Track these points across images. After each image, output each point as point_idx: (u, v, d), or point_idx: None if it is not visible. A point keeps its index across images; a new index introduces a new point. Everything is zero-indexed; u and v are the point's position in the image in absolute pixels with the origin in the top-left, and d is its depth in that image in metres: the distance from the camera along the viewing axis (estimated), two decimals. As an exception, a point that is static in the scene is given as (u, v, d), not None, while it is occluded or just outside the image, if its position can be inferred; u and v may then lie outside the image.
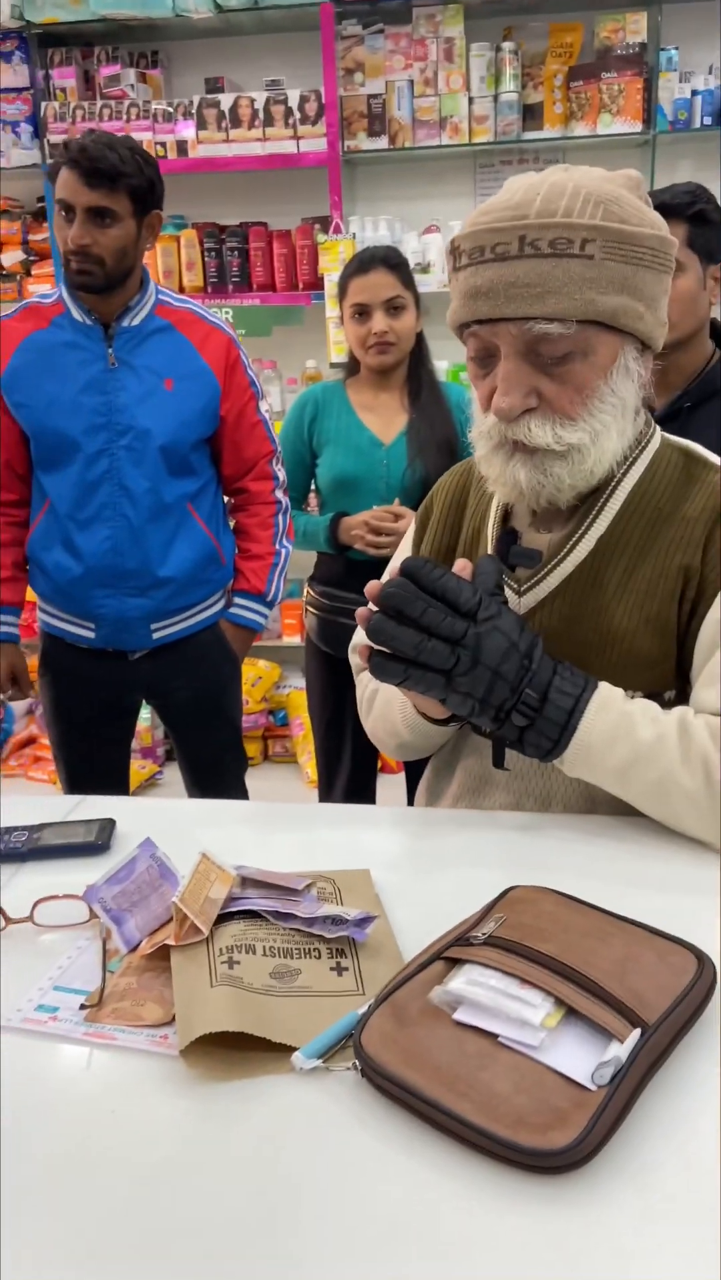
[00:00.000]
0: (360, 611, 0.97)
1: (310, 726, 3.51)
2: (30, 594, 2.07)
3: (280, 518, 2.08)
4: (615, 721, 0.99)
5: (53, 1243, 0.59)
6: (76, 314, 1.86)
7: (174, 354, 1.89)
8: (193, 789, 2.20)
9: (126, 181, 1.75)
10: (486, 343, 1.00)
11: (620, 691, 1.01)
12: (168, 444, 1.86)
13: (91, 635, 1.96)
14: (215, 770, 2.16)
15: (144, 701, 2.19)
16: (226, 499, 2.11)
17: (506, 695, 0.97)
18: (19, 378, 1.87)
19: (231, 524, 2.12)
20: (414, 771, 2.40)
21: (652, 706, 1.01)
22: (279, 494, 2.08)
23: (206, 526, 1.97)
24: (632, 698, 1.02)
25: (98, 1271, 0.57)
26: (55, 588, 1.94)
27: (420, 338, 2.24)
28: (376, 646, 0.96)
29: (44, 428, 1.86)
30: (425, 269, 3.22)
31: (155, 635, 1.96)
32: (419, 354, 2.25)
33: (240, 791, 2.23)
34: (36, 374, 1.86)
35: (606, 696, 1.00)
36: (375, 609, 0.96)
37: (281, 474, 2.09)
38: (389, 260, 2.14)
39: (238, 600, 2.09)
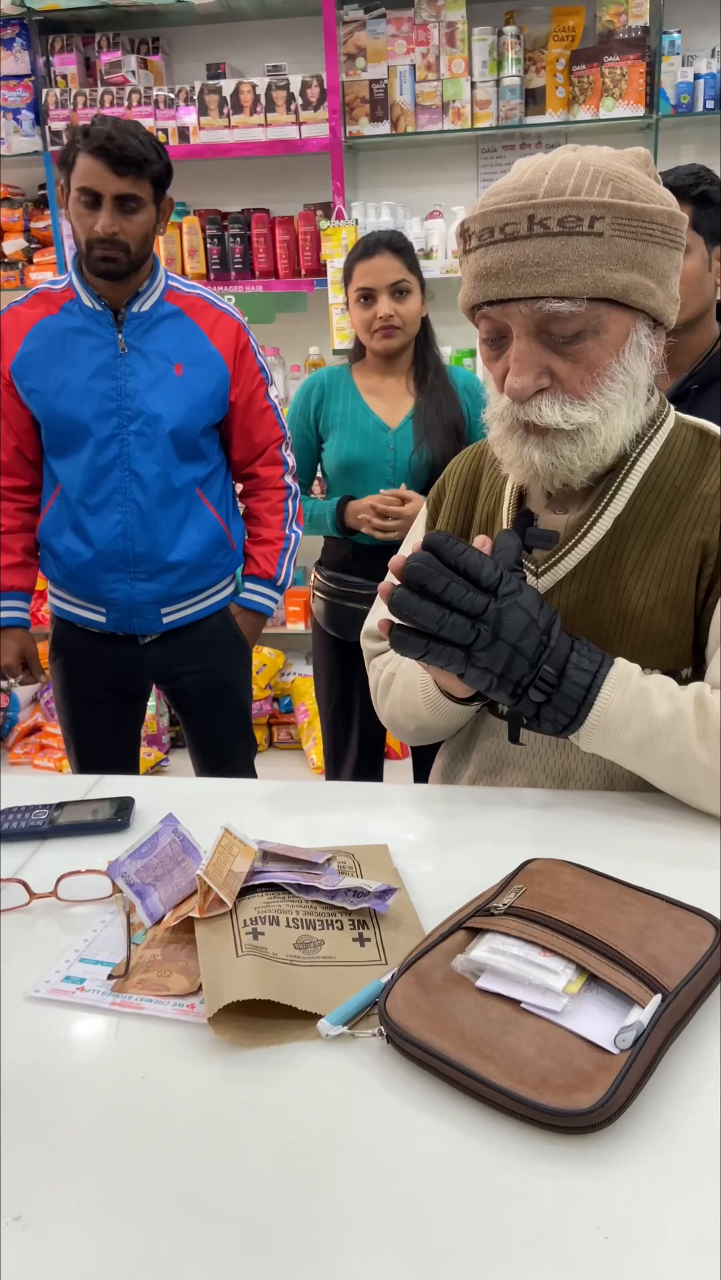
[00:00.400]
0: (383, 585, 0.97)
1: (315, 713, 3.53)
2: (42, 581, 2.08)
3: (290, 503, 2.10)
4: (632, 697, 0.99)
5: (85, 1202, 0.60)
6: (86, 299, 1.86)
7: (184, 339, 1.90)
8: (202, 773, 2.21)
9: (151, 169, 1.77)
10: (498, 324, 1.01)
11: (636, 668, 1.02)
12: (177, 429, 1.87)
13: (102, 619, 1.97)
14: (224, 754, 2.17)
15: (153, 688, 2.20)
16: (237, 485, 2.12)
17: (525, 671, 0.98)
18: (30, 364, 1.88)
19: (241, 509, 2.13)
20: (420, 755, 2.42)
21: (669, 682, 1.02)
22: (289, 479, 2.09)
23: (216, 511, 1.97)
24: (649, 674, 1.02)
25: (134, 1229, 0.59)
26: (66, 572, 1.95)
27: (425, 322, 2.24)
28: (397, 621, 0.97)
29: (55, 413, 1.87)
30: (428, 254, 3.22)
31: (165, 619, 1.98)
32: (424, 338, 2.25)
33: (249, 775, 2.24)
34: (47, 360, 1.87)
35: (623, 672, 1.01)
36: (397, 583, 0.96)
37: (291, 459, 2.10)
38: (393, 244, 2.14)
39: (247, 585, 2.10)
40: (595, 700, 0.99)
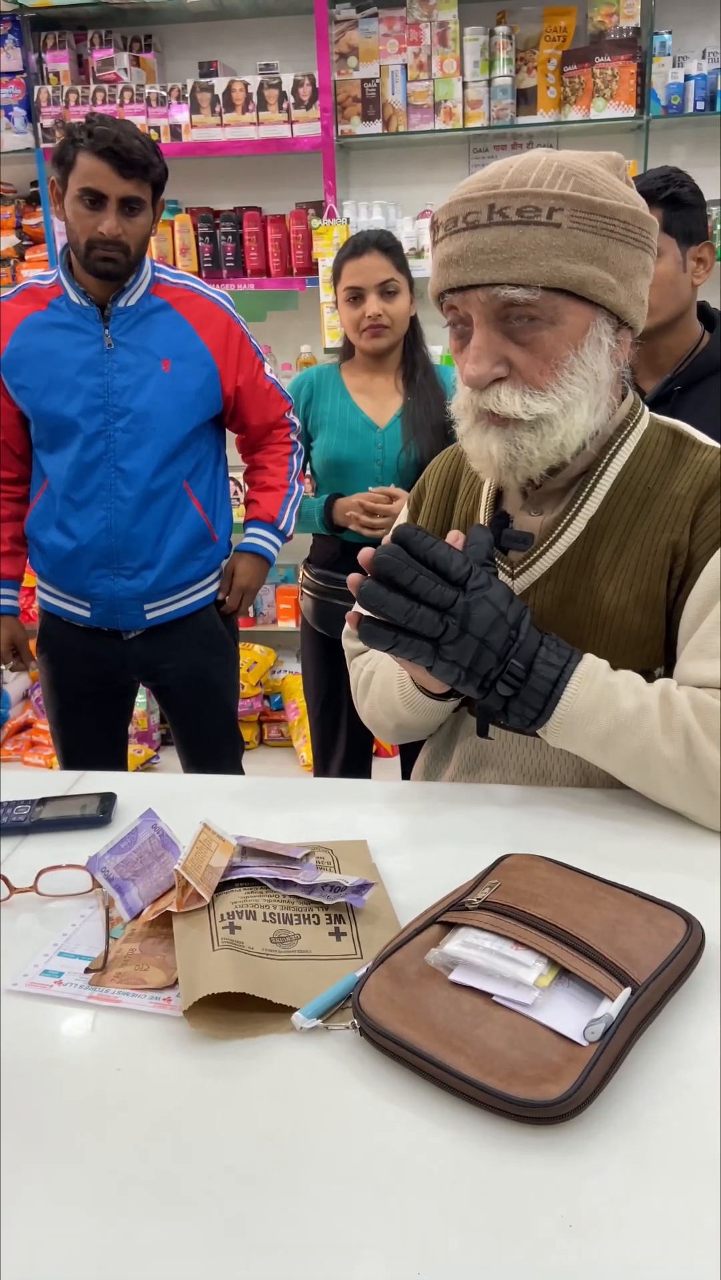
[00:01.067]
0: (352, 577, 0.98)
1: (305, 710, 3.54)
2: (30, 577, 2.09)
3: (295, 458, 2.14)
4: (598, 692, 1.00)
5: (62, 1192, 0.61)
6: (74, 296, 1.87)
7: (171, 334, 1.90)
8: (189, 770, 2.22)
9: (154, 172, 1.79)
10: (461, 313, 1.02)
11: (604, 663, 1.03)
12: (164, 425, 1.88)
13: (87, 614, 1.98)
14: (210, 752, 2.18)
15: (140, 685, 2.21)
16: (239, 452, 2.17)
17: (493, 665, 0.99)
18: (18, 360, 1.89)
19: (246, 470, 2.17)
20: (408, 753, 2.43)
21: (636, 678, 1.02)
22: (294, 438, 2.13)
23: (201, 506, 1.98)
24: (618, 672, 1.03)
25: (110, 1217, 0.59)
26: (51, 566, 1.96)
27: (414, 321, 2.25)
28: (366, 612, 0.98)
29: (43, 410, 1.88)
30: (419, 253, 3.23)
31: (149, 616, 1.98)
32: (413, 337, 2.26)
33: (236, 773, 2.25)
34: (35, 356, 1.88)
35: (590, 668, 1.01)
36: (367, 575, 0.97)
37: (297, 422, 2.15)
38: (382, 243, 2.15)
39: (249, 529, 2.12)
40: (561, 694, 1.00)
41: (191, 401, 1.91)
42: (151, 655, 2.04)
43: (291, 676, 3.62)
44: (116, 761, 2.20)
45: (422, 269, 3.15)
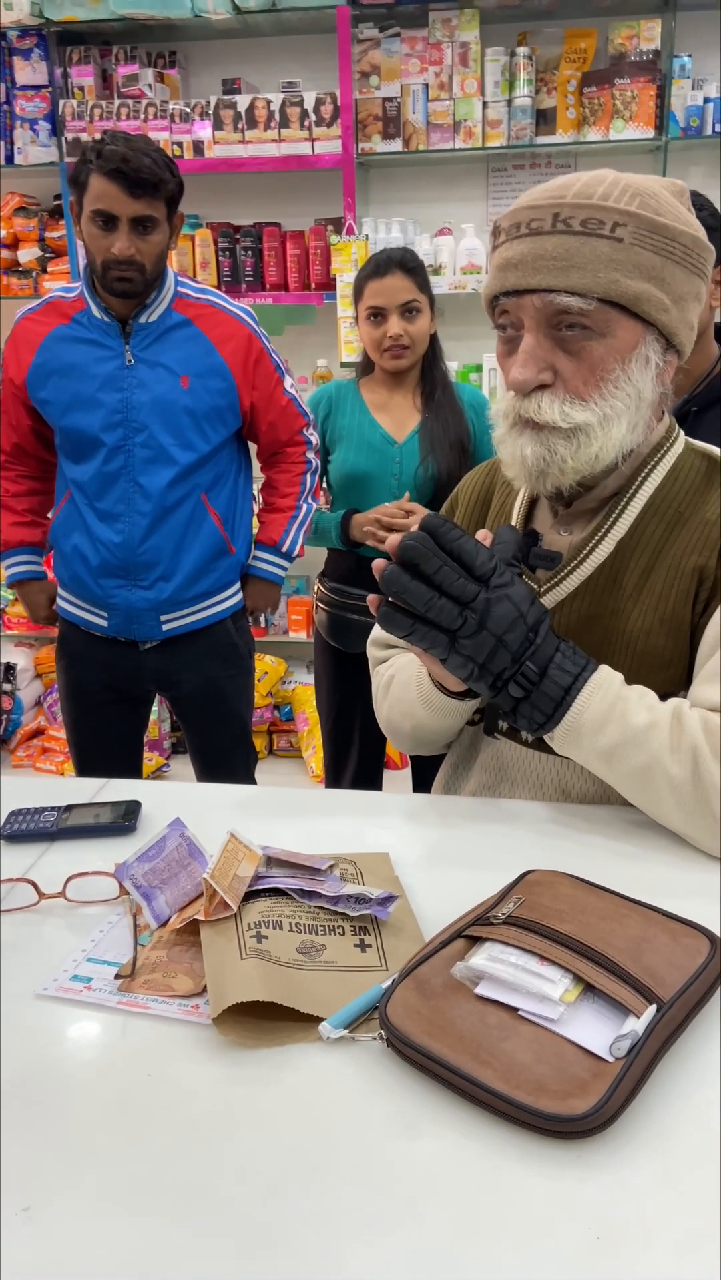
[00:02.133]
0: (376, 562, 0.97)
1: (315, 721, 3.54)
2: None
3: (309, 476, 2.14)
4: (610, 703, 1.00)
5: (91, 1196, 0.62)
6: (96, 311, 1.90)
7: (190, 351, 1.92)
8: (202, 779, 2.23)
9: (165, 189, 1.80)
10: (513, 317, 1.03)
11: (619, 676, 1.03)
12: (179, 442, 1.90)
13: (104, 623, 2.00)
14: (222, 763, 2.19)
15: (156, 695, 2.22)
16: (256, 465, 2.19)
17: (507, 664, 0.98)
18: (43, 375, 1.92)
19: (261, 484, 2.19)
20: (420, 767, 2.43)
21: (649, 694, 1.02)
22: (310, 455, 2.14)
23: (220, 519, 2.00)
24: (632, 686, 1.03)
25: (137, 1223, 0.60)
26: (71, 574, 1.99)
27: (434, 339, 2.27)
28: (388, 597, 0.98)
29: (67, 425, 1.91)
30: (437, 271, 3.25)
31: (165, 627, 2.00)
32: (432, 354, 2.28)
33: (248, 784, 2.26)
34: (59, 371, 1.91)
35: (604, 679, 1.01)
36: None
37: (315, 438, 2.15)
38: (405, 263, 2.16)
39: (256, 553, 2.13)
40: (573, 702, 1.00)
41: (209, 418, 1.93)
42: (167, 666, 2.06)
43: (302, 687, 3.63)
44: (131, 769, 2.21)
45: (441, 285, 3.18)
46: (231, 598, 2.10)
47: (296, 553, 2.17)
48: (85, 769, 2.16)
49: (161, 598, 1.96)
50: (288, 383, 2.07)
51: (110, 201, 1.77)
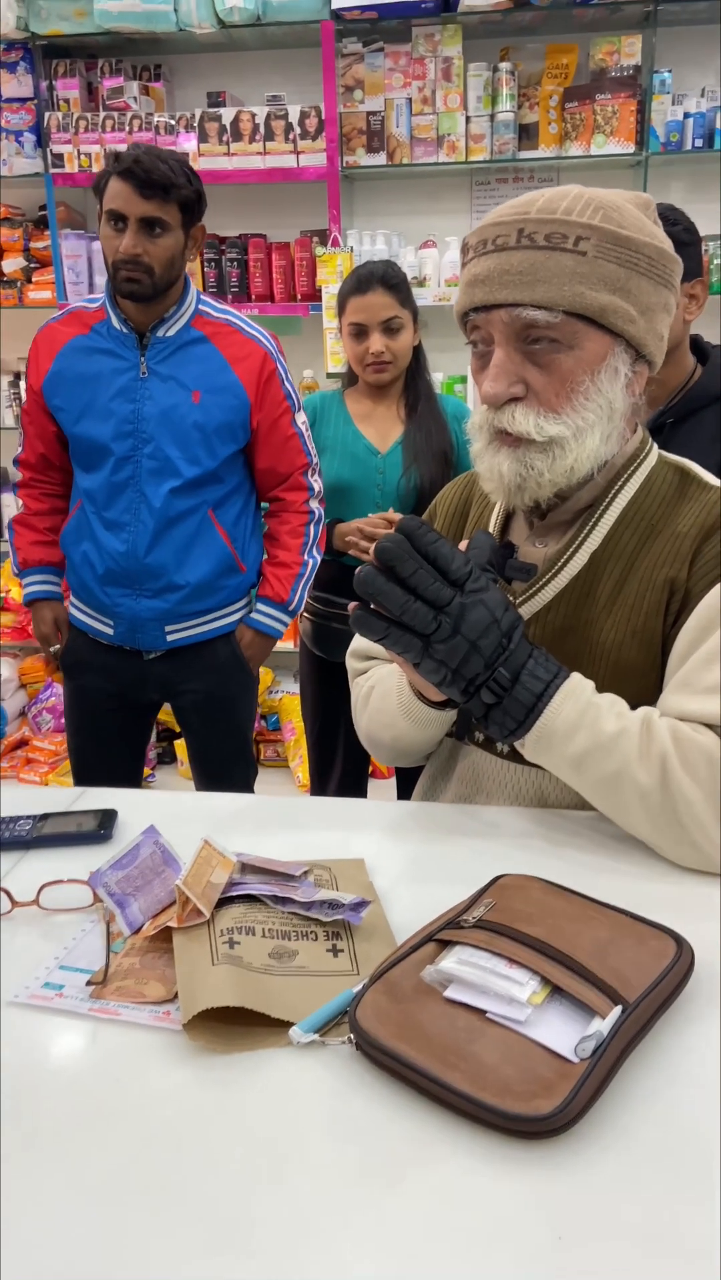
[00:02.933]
0: (360, 570, 0.97)
1: (302, 730, 3.54)
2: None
3: (312, 528, 2.11)
4: (580, 710, 1.00)
5: (61, 1201, 0.62)
6: (115, 322, 1.92)
7: (205, 366, 1.93)
8: (202, 788, 2.24)
9: (178, 193, 1.81)
10: (484, 333, 1.04)
11: (590, 684, 1.03)
12: (188, 455, 1.91)
13: (110, 631, 2.02)
14: (221, 774, 2.19)
15: (161, 704, 2.23)
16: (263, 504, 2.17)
17: (480, 670, 0.99)
18: (59, 382, 1.94)
19: (265, 528, 2.17)
20: (404, 776, 2.44)
21: (620, 702, 1.03)
22: (313, 504, 2.11)
23: (228, 535, 2.00)
24: (604, 694, 1.04)
25: (108, 1226, 0.60)
26: (80, 582, 2.02)
27: (418, 350, 2.29)
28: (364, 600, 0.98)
29: (78, 432, 1.94)
30: (421, 283, 3.28)
31: (169, 637, 2.02)
32: (416, 366, 2.29)
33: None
34: (73, 379, 1.93)
35: (575, 686, 1.01)
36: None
37: (317, 484, 2.11)
38: (386, 279, 2.17)
39: (259, 605, 2.12)
40: (544, 709, 1.00)
41: (218, 433, 1.93)
42: (172, 676, 2.07)
43: (289, 697, 3.63)
44: (130, 777, 2.21)
45: (424, 298, 3.20)
46: (238, 612, 2.09)
47: (300, 611, 2.17)
48: (83, 776, 2.16)
49: (165, 608, 1.97)
50: (299, 418, 2.05)
51: (121, 201, 1.79)
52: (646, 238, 1.00)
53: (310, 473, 2.09)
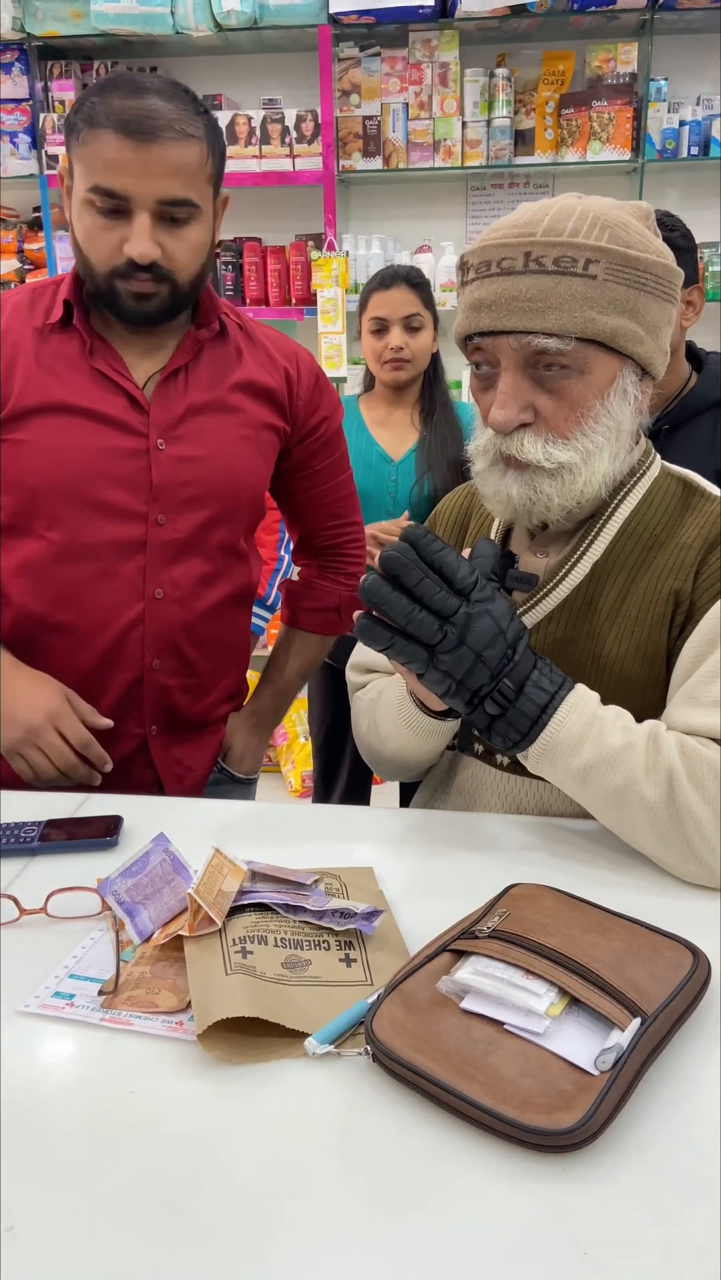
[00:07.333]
0: (364, 579, 0.96)
1: (294, 736, 3.54)
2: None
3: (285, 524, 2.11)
4: (586, 723, 0.99)
5: (73, 1214, 0.61)
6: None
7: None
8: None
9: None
10: (488, 355, 1.03)
11: (595, 696, 1.02)
12: None
13: None
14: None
15: None
16: None
17: (484, 681, 0.98)
18: None
19: None
20: (407, 784, 2.43)
21: (626, 715, 1.02)
22: None
23: None
24: (608, 707, 1.02)
25: (123, 1240, 0.60)
26: None
27: (436, 358, 2.29)
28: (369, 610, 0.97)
29: None
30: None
31: None
32: (434, 374, 2.29)
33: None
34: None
35: (581, 698, 1.00)
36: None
37: None
38: (411, 279, 2.19)
39: None
40: (549, 721, 0.99)
41: None
42: None
43: (281, 702, 3.62)
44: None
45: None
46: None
47: (279, 606, 2.16)
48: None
49: None
50: None
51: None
52: (653, 255, 0.99)
53: None
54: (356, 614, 0.98)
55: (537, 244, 0.97)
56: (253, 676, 1.64)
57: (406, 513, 2.22)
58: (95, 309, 1.29)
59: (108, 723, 1.29)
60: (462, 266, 1.05)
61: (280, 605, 1.71)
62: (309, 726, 2.54)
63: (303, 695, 2.80)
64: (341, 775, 2.43)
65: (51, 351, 1.27)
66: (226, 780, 1.52)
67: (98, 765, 1.28)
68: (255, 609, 2.10)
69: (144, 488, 1.28)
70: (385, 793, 3.27)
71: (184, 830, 1.05)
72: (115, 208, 1.17)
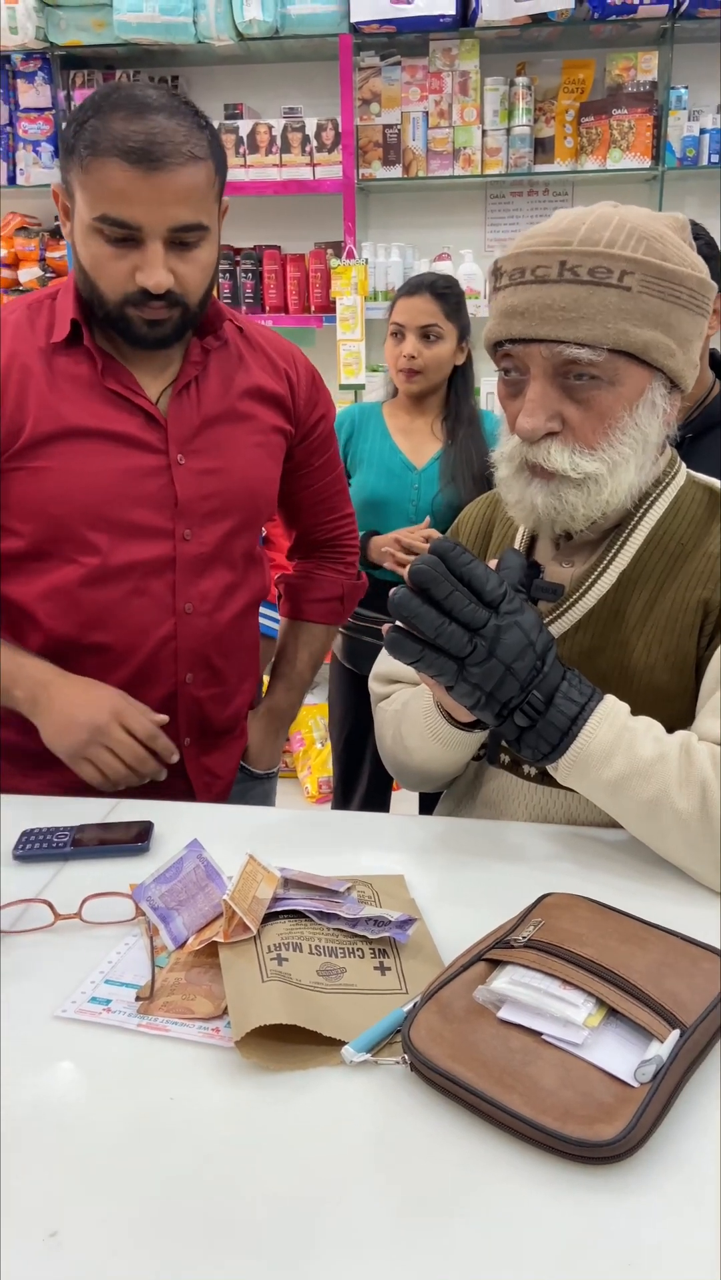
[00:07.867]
0: (394, 593, 0.96)
1: (311, 742, 3.54)
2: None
3: None
4: (616, 733, 0.99)
5: (112, 1220, 0.62)
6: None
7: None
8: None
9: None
10: (518, 362, 1.03)
11: (625, 706, 1.01)
12: None
13: None
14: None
15: None
16: None
17: (514, 693, 0.97)
18: None
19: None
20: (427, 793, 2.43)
21: (657, 726, 1.01)
22: None
23: None
24: (639, 718, 1.02)
25: (162, 1247, 0.60)
26: None
27: (464, 371, 2.27)
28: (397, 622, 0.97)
29: None
30: (436, 295, 3.28)
31: None
32: (464, 386, 2.27)
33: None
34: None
35: (611, 708, 1.00)
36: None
37: None
38: (436, 288, 2.19)
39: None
40: (579, 732, 0.98)
41: None
42: None
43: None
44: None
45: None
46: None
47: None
48: None
49: None
50: None
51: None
52: (688, 269, 0.99)
53: None
54: (385, 627, 0.98)
55: (573, 253, 0.97)
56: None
57: (429, 518, 2.22)
58: (100, 328, 1.26)
59: (163, 718, 1.26)
60: (496, 272, 1.05)
61: (281, 601, 1.71)
62: (329, 732, 2.55)
63: (322, 701, 2.80)
64: (361, 781, 2.43)
65: (61, 373, 1.24)
66: (246, 778, 1.53)
67: (165, 757, 1.25)
68: (267, 611, 2.10)
69: (168, 504, 1.27)
70: (404, 799, 3.26)
71: (213, 836, 1.05)
72: (125, 236, 1.14)
